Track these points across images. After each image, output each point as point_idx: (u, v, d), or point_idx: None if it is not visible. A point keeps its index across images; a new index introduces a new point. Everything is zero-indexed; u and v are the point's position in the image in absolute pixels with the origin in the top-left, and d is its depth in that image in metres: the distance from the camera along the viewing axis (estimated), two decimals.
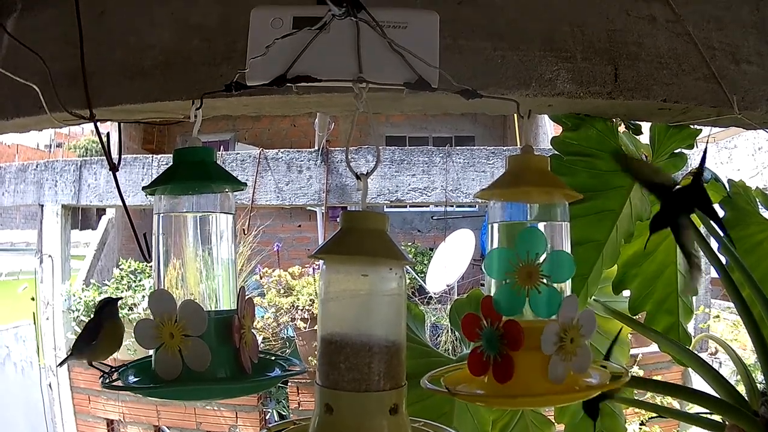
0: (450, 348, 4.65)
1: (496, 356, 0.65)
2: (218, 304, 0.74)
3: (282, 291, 5.06)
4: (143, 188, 0.71)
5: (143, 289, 5.16)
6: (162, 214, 0.72)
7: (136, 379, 0.71)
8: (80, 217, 9.61)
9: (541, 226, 0.71)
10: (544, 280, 0.67)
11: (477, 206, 7.32)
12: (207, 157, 0.72)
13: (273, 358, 0.79)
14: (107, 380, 0.70)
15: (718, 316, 4.72)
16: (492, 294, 0.70)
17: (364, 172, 0.66)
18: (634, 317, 1.17)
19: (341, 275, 0.64)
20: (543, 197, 0.71)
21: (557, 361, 0.65)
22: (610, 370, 0.75)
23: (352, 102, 0.71)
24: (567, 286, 0.70)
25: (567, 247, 0.71)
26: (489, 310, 0.67)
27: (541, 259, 0.67)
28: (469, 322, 0.68)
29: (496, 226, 0.72)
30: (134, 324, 0.67)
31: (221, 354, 0.68)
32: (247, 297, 0.71)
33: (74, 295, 5.39)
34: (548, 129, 6.44)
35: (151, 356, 0.70)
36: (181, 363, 0.66)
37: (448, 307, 3.71)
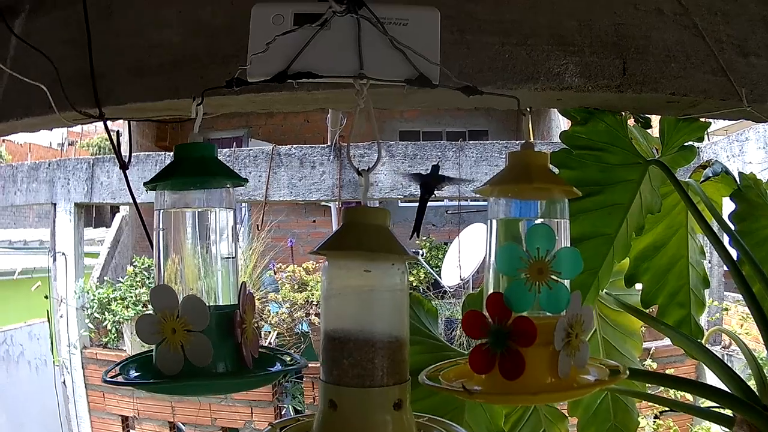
0: (464, 342, 4.65)
1: (503, 353, 0.64)
2: (219, 299, 0.73)
3: (296, 286, 5.08)
4: (144, 184, 0.72)
5: None
6: (162, 210, 0.72)
7: (137, 374, 0.71)
8: (94, 214, 9.68)
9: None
10: (554, 276, 0.66)
11: None
12: (207, 153, 0.72)
13: (273, 353, 0.78)
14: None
15: (726, 309, 4.68)
16: (499, 290, 0.69)
17: (366, 168, 0.66)
18: (646, 310, 1.17)
19: (343, 271, 0.65)
20: (543, 194, 0.71)
21: (564, 356, 0.64)
22: (606, 365, 0.74)
23: (356, 98, 0.71)
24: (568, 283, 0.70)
25: (568, 245, 0.71)
26: (497, 307, 0.66)
27: (551, 255, 0.67)
28: (472, 320, 0.67)
29: (495, 222, 0.71)
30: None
31: (222, 349, 0.68)
32: (247, 293, 0.71)
33: (88, 293, 5.44)
34: (561, 122, 6.40)
35: (151, 350, 0.69)
36: (182, 358, 0.65)
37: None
